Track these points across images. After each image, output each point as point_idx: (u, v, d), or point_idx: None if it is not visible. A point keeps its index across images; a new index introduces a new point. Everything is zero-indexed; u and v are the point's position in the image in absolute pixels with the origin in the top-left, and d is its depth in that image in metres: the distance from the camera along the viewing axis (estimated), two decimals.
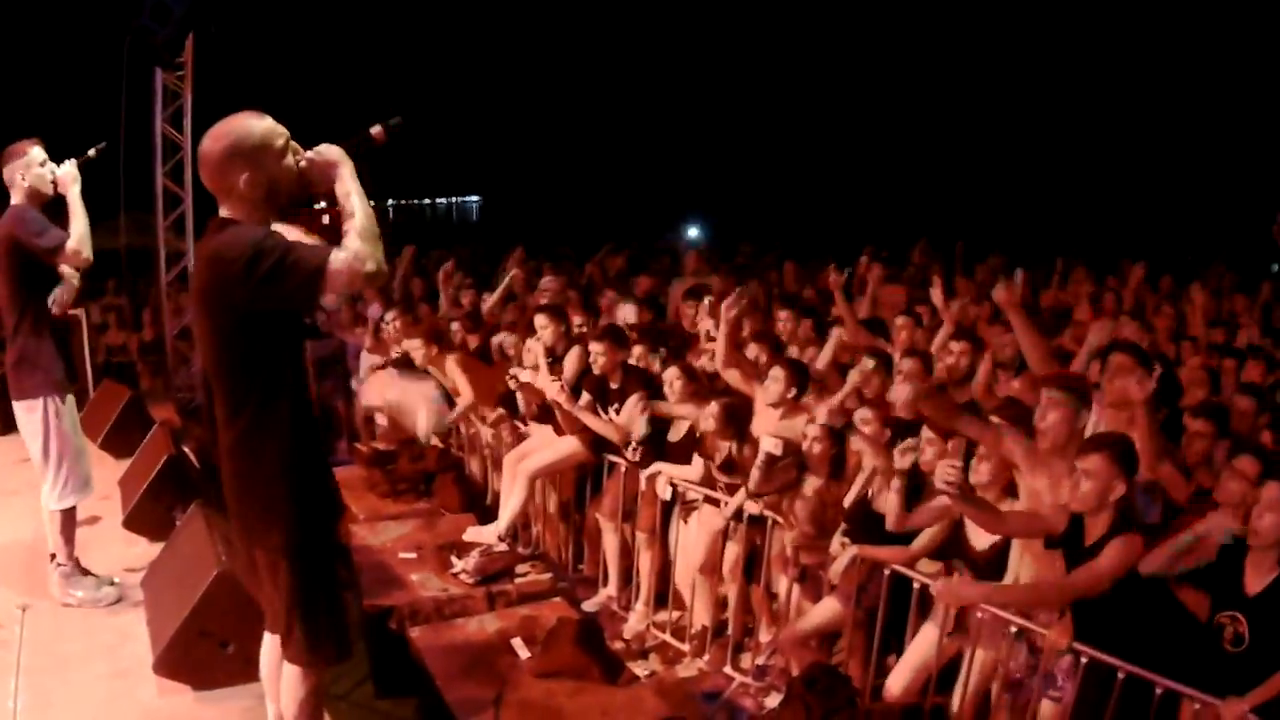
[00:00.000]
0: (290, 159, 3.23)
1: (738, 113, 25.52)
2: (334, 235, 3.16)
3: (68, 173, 5.37)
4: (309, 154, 3.25)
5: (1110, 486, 4.12)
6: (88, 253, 5.32)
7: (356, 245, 3.04)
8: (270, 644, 3.76)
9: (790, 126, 24.92)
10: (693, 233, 23.70)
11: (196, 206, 11.34)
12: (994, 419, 4.96)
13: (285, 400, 3.26)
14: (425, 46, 21.65)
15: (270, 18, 15.55)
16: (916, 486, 5.30)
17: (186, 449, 7.64)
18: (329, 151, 3.24)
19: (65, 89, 16.29)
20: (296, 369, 3.31)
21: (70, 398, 5.59)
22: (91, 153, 5.60)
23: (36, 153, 5.34)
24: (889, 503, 5.16)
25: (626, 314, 9.10)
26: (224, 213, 3.22)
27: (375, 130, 3.37)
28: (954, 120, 22.85)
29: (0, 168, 5.36)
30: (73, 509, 5.69)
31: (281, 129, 3.22)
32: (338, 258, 3.00)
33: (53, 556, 5.71)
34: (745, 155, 25.74)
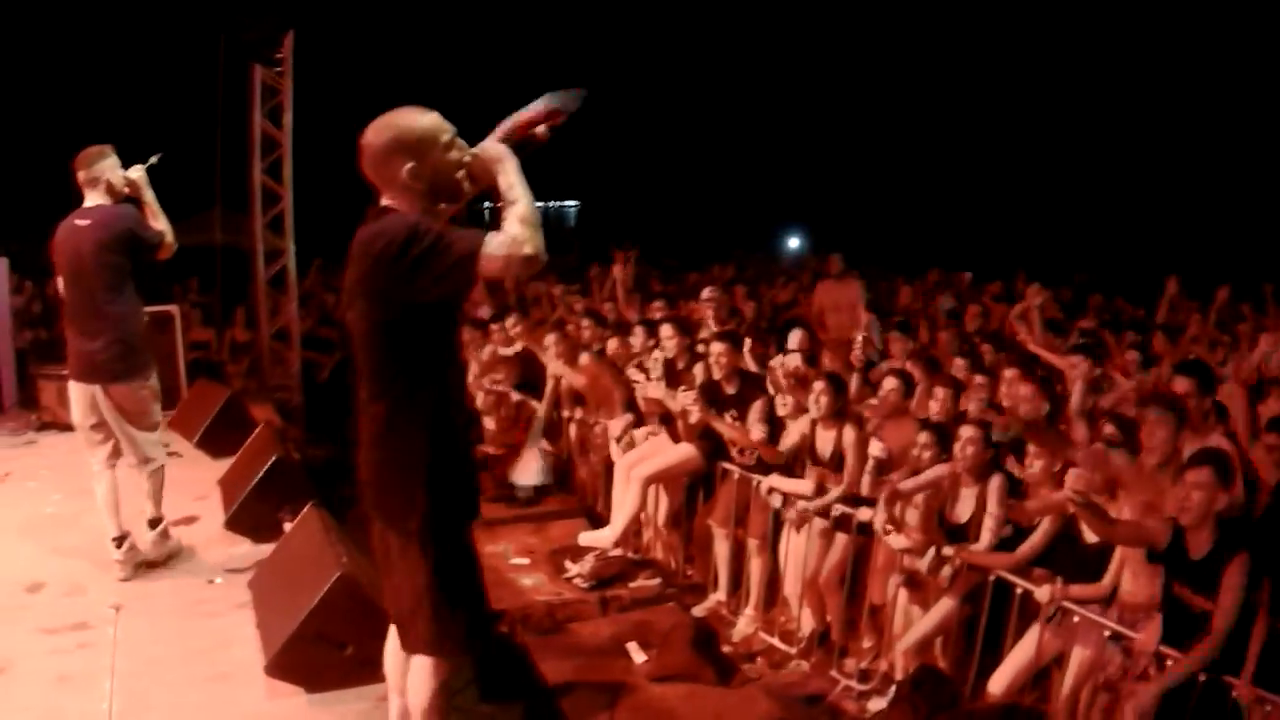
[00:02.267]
0: (455, 154, 3.38)
1: (838, 121, 25.25)
2: None
3: (141, 176, 5.93)
4: (474, 150, 3.38)
5: (1214, 498, 4.46)
6: (174, 242, 6.01)
7: (516, 230, 3.10)
8: (396, 637, 3.81)
9: (891, 137, 24.64)
10: (793, 242, 23.62)
11: (295, 204, 11.50)
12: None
13: (437, 387, 3.38)
14: (525, 47, 21.73)
15: (370, 15, 15.67)
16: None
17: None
18: (493, 149, 3.34)
19: (163, 86, 16.54)
20: (452, 358, 3.50)
21: None
22: (154, 160, 6.10)
23: (115, 156, 5.90)
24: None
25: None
26: (384, 202, 3.36)
27: (540, 130, 3.50)
28: (1064, 131, 22.46)
29: (86, 167, 5.78)
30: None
31: (448, 125, 3.36)
32: (494, 241, 3.08)
33: (153, 523, 6.25)
34: (845, 164, 25.47)
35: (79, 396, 5.97)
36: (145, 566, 6.16)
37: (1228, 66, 19.19)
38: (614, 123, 23.63)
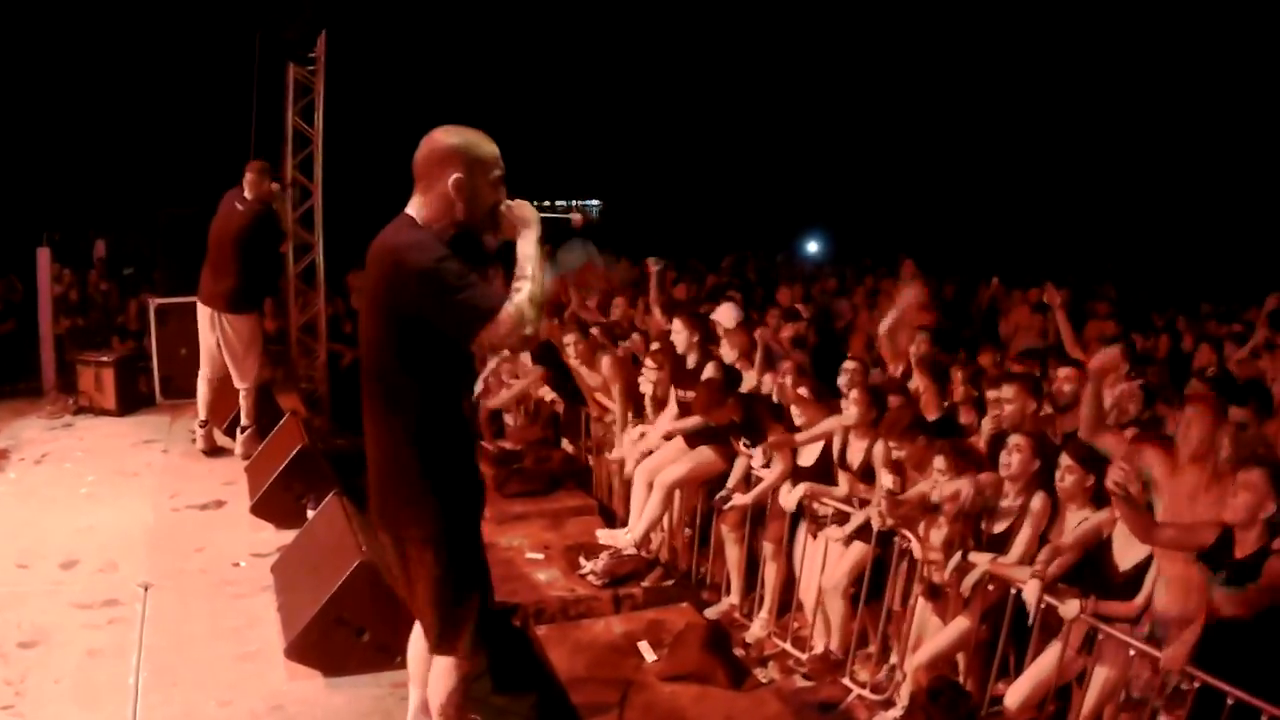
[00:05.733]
0: (496, 193, 3.43)
1: (861, 124, 25.16)
2: None
3: (279, 189, 8.56)
4: (509, 202, 3.47)
5: (1263, 503, 4.40)
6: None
7: (525, 307, 3.21)
8: (420, 633, 3.90)
9: (915, 139, 24.54)
10: (812, 246, 23.46)
11: (325, 199, 11.59)
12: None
13: (451, 398, 3.48)
14: (551, 47, 21.81)
15: (402, 15, 15.77)
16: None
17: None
18: (525, 210, 3.43)
19: (199, 82, 16.71)
20: (455, 366, 3.49)
21: None
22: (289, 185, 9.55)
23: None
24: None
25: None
26: (413, 209, 3.40)
27: (575, 218, 3.58)
28: (1094, 133, 22.33)
29: (257, 171, 8.00)
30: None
31: (502, 166, 3.43)
32: (507, 310, 3.18)
33: (245, 428, 8.23)
34: (867, 166, 25.36)
35: (202, 314, 8.13)
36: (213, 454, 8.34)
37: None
38: (637, 121, 23.66)
